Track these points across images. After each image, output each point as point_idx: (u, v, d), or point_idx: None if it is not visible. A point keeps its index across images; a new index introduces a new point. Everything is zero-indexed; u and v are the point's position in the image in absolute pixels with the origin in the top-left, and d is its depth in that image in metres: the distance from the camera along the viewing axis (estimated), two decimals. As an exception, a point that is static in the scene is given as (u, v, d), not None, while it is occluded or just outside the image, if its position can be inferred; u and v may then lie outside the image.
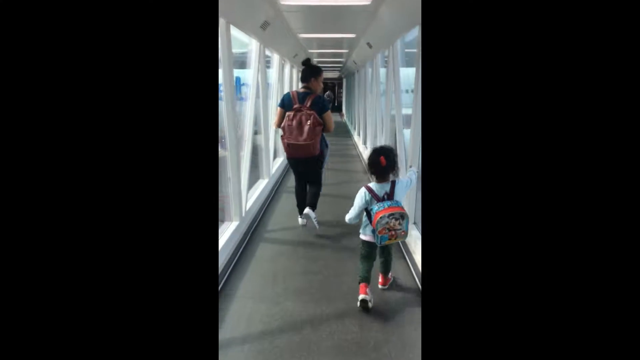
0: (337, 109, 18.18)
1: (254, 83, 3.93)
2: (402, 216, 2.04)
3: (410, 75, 3.03)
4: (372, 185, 2.16)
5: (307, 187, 3.27)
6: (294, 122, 2.93)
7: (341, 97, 18.40)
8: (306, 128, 2.91)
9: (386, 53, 4.44)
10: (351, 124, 11.19)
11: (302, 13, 3.46)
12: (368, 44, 4.75)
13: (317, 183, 3.22)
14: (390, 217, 2.02)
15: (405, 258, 2.81)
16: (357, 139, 8.32)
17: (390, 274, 2.41)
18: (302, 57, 3.57)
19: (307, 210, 3.15)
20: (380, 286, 2.36)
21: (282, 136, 3.05)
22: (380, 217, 2.02)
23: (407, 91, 3.88)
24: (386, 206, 2.04)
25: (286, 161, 4.12)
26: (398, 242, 2.76)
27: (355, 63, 7.69)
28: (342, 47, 6.24)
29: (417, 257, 2.55)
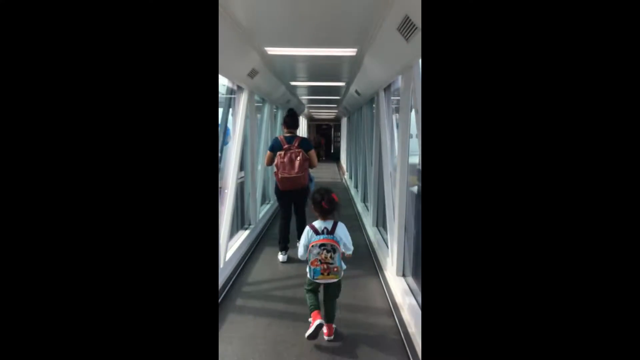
0: (334, 156, 14.78)
1: (237, 129, 3.62)
2: (334, 249, 2.08)
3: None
4: (315, 222, 2.24)
5: (294, 219, 3.79)
6: (286, 159, 3.48)
7: (338, 142, 14.44)
8: (297, 163, 3.49)
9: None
10: (355, 187, 6.83)
11: (288, 63, 3.69)
12: (356, 91, 4.95)
13: (303, 214, 3.78)
14: (322, 247, 2.07)
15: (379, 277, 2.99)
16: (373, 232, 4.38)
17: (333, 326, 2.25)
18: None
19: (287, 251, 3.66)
20: (325, 337, 2.19)
21: (275, 172, 3.60)
22: (312, 247, 2.10)
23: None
24: (320, 238, 2.12)
25: None
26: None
27: (347, 109, 7.74)
28: (333, 94, 6.52)
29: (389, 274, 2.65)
